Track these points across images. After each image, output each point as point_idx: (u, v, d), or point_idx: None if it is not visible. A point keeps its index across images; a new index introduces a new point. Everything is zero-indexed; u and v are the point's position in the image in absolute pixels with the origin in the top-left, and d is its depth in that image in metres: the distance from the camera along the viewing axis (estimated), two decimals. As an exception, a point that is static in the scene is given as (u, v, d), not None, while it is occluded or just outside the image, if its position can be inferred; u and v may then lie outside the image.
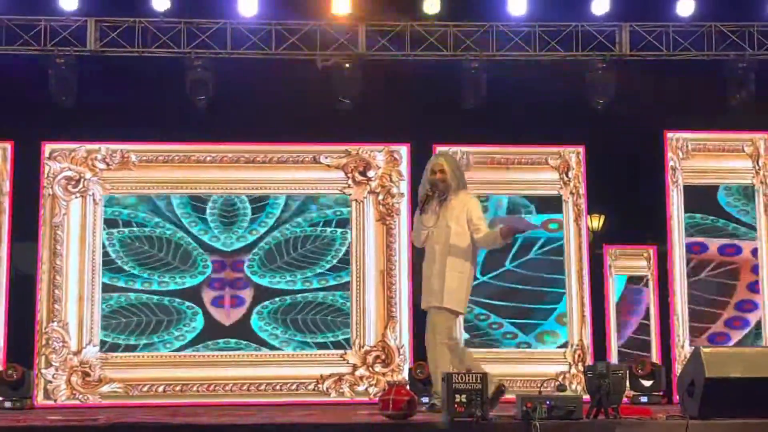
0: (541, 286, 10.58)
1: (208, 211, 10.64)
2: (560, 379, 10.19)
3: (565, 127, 10.62)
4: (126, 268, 10.43)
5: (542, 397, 5.81)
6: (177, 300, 10.50)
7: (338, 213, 10.67)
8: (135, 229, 10.44)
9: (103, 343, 10.40)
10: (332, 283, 10.62)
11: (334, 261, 10.68)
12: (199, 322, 10.51)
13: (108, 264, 10.41)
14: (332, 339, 10.52)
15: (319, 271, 10.63)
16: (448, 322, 6.97)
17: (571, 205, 10.75)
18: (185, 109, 10.38)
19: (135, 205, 10.56)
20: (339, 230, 10.65)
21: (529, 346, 10.56)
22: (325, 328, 10.50)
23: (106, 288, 10.40)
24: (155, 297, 10.45)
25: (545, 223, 10.60)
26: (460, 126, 10.57)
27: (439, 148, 10.59)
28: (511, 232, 6.92)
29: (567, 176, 10.76)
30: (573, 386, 10.14)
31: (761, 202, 10.79)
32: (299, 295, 10.61)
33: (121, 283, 10.39)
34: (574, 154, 10.85)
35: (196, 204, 10.65)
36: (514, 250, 10.55)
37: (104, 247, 10.44)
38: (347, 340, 10.50)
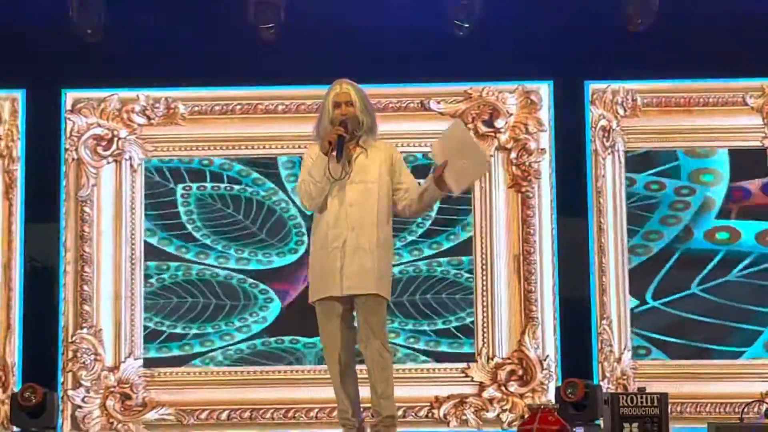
0: (735, 319, 8.83)
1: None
2: (768, 401, 8.89)
3: (770, 52, 8.86)
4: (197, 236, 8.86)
5: (744, 426, 5.80)
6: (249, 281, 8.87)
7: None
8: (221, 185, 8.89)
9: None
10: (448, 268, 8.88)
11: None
12: (272, 312, 8.87)
13: (172, 229, 8.87)
14: (450, 348, 8.91)
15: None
16: (382, 316, 5.72)
17: (783, 165, 9.04)
18: (249, 42, 8.83)
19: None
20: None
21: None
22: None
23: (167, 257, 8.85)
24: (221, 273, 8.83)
25: (761, 236, 8.86)
26: (623, 55, 8.94)
27: (593, 86, 9.02)
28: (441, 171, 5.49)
29: (775, 121, 9.09)
30: (785, 412, 8.72)
31: None
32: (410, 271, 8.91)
33: (190, 256, 8.82)
34: (786, 90, 9.01)
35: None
36: (710, 265, 8.77)
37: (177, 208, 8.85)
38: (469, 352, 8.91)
